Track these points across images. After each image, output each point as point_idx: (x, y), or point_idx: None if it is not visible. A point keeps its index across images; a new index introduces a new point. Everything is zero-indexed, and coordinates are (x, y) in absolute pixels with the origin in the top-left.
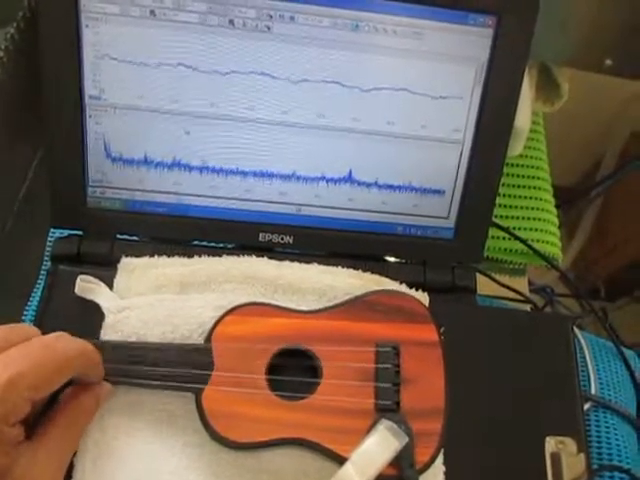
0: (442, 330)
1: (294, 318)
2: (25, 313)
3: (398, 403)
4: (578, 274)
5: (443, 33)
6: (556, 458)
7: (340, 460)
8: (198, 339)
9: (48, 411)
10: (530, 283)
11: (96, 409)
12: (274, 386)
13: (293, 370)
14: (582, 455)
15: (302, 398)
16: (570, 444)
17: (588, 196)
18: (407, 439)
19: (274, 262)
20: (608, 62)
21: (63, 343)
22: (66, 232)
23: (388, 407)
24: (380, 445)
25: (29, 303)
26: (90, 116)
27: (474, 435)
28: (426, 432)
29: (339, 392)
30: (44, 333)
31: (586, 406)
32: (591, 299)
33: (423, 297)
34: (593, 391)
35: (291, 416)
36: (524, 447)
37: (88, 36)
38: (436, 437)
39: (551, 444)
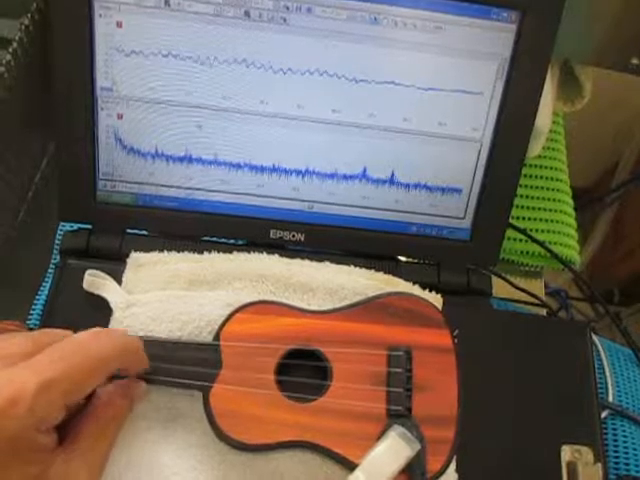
0: (456, 334)
1: (305, 318)
2: (33, 307)
3: (410, 409)
4: (592, 277)
5: (464, 28)
6: (572, 468)
7: (350, 465)
8: (207, 337)
9: (81, 414)
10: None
11: (130, 410)
12: (283, 387)
13: (303, 371)
14: (599, 465)
15: (311, 400)
16: (587, 453)
17: (604, 200)
18: (419, 446)
19: (285, 260)
20: (634, 61)
21: (100, 342)
22: (76, 226)
23: (399, 413)
24: (391, 452)
25: (37, 296)
26: (102, 108)
27: (488, 443)
28: (438, 440)
29: (349, 395)
30: (51, 327)
31: (603, 414)
32: (605, 303)
33: (437, 299)
34: (610, 398)
35: (300, 418)
36: (539, 456)
37: (101, 26)
38: (448, 445)
39: (567, 453)
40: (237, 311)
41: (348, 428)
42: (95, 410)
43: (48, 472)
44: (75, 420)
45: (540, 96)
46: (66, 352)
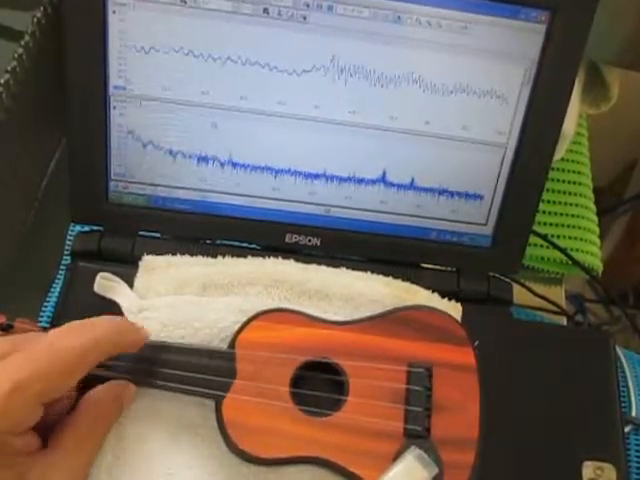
0: (476, 344)
1: (323, 329)
2: (44, 309)
3: (428, 429)
4: (607, 278)
5: (492, 28)
6: None
7: None
8: (219, 344)
9: (67, 416)
10: None
11: (120, 412)
12: (298, 399)
13: (318, 384)
14: None
15: (327, 415)
16: (609, 470)
17: (619, 206)
18: (437, 470)
19: (301, 265)
20: None
21: (70, 339)
22: (87, 227)
23: (418, 433)
24: (407, 475)
25: (48, 299)
26: (114, 107)
27: (507, 459)
28: (456, 464)
29: (366, 412)
30: None
31: (626, 429)
32: (624, 308)
33: (456, 307)
34: (633, 413)
35: (314, 433)
36: (560, 472)
37: (114, 23)
38: (467, 470)
39: (589, 470)
40: (254, 318)
41: (364, 446)
42: (81, 413)
43: (28, 475)
44: (61, 423)
45: (569, 100)
46: (36, 351)
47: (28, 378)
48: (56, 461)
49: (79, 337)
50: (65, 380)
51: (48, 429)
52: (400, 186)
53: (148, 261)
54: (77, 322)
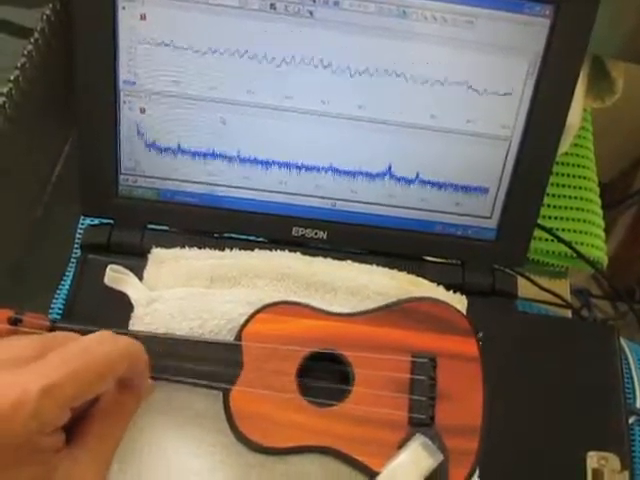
0: (480, 336)
1: (328, 320)
2: (54, 302)
3: (433, 418)
4: (613, 273)
5: (496, 22)
6: (598, 475)
7: (370, 473)
8: (226, 335)
9: (88, 413)
10: None
11: (137, 408)
12: (304, 390)
13: (324, 375)
14: (626, 473)
15: (332, 405)
16: (613, 460)
17: (625, 200)
18: (442, 457)
19: (307, 258)
20: None
21: (105, 345)
22: (97, 220)
23: (422, 421)
24: (413, 462)
25: (58, 292)
26: (124, 102)
27: (511, 450)
28: (461, 450)
29: (371, 401)
30: (72, 322)
31: (630, 420)
32: (630, 303)
33: (461, 300)
34: (638, 404)
35: (321, 423)
36: (565, 463)
37: (124, 19)
38: (471, 457)
39: (593, 460)
40: (259, 311)
41: (369, 435)
42: (102, 409)
43: (55, 472)
44: (82, 419)
45: (573, 93)
46: (70, 355)
47: (61, 381)
48: (81, 457)
49: (113, 344)
50: (96, 385)
51: (71, 422)
52: (405, 180)
53: (157, 254)
54: (108, 332)
